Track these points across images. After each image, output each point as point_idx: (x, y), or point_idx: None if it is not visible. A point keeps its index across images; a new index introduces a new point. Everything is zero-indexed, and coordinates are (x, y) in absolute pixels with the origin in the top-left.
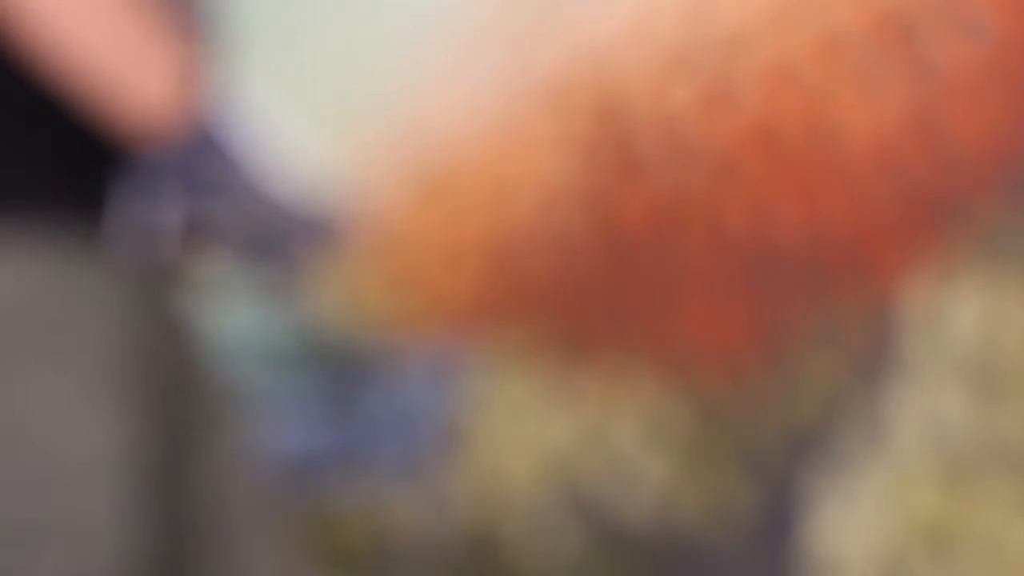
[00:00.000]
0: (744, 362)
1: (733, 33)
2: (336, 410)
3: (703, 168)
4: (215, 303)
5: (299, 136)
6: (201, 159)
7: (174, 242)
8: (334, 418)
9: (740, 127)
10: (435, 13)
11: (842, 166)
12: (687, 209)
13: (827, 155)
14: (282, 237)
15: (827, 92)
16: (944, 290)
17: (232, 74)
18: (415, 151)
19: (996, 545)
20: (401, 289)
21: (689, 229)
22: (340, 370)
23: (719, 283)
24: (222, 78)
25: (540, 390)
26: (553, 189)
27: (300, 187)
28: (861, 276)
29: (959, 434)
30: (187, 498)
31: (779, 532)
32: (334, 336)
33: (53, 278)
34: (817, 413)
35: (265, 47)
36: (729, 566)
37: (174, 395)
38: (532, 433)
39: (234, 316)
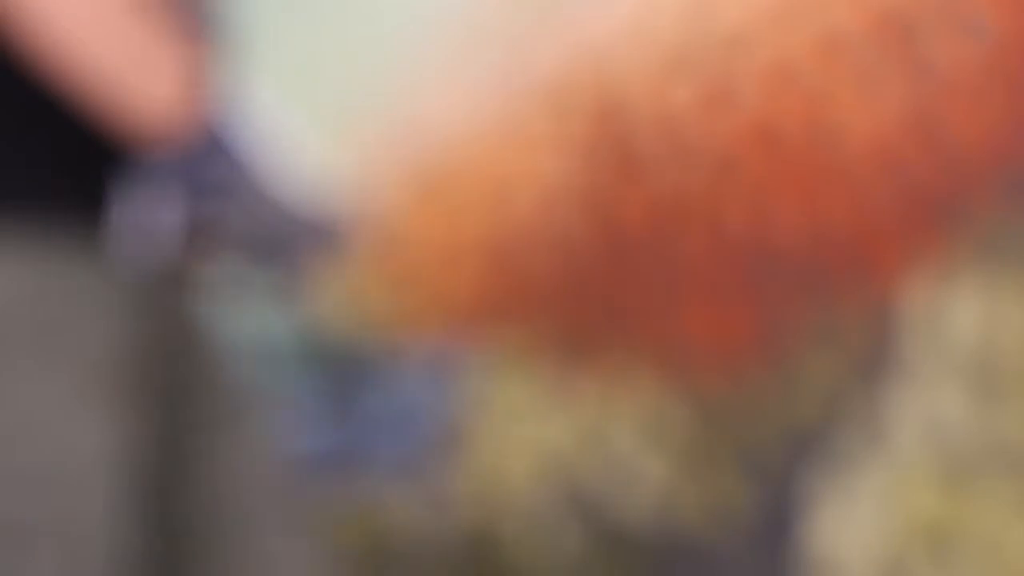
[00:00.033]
0: (744, 362)
1: (733, 33)
2: (336, 410)
3: (703, 168)
4: (220, 304)
5: (301, 137)
6: (206, 161)
7: (178, 243)
8: (334, 418)
9: (740, 127)
10: (435, 13)
11: (842, 166)
12: (687, 209)
13: (827, 155)
14: (287, 239)
15: (827, 92)
16: (944, 290)
17: (236, 75)
18: (415, 151)
19: (996, 545)
20: (401, 289)
21: (689, 229)
22: (340, 370)
23: (719, 283)
24: (227, 79)
25: (540, 390)
26: (553, 189)
27: (304, 188)
28: (861, 276)
29: (959, 434)
30: (185, 498)
31: (779, 532)
32: (334, 336)
33: (48, 279)
34: (817, 413)
35: (265, 48)
36: (729, 566)
37: (173, 395)
38: (532, 433)
39: (237, 316)
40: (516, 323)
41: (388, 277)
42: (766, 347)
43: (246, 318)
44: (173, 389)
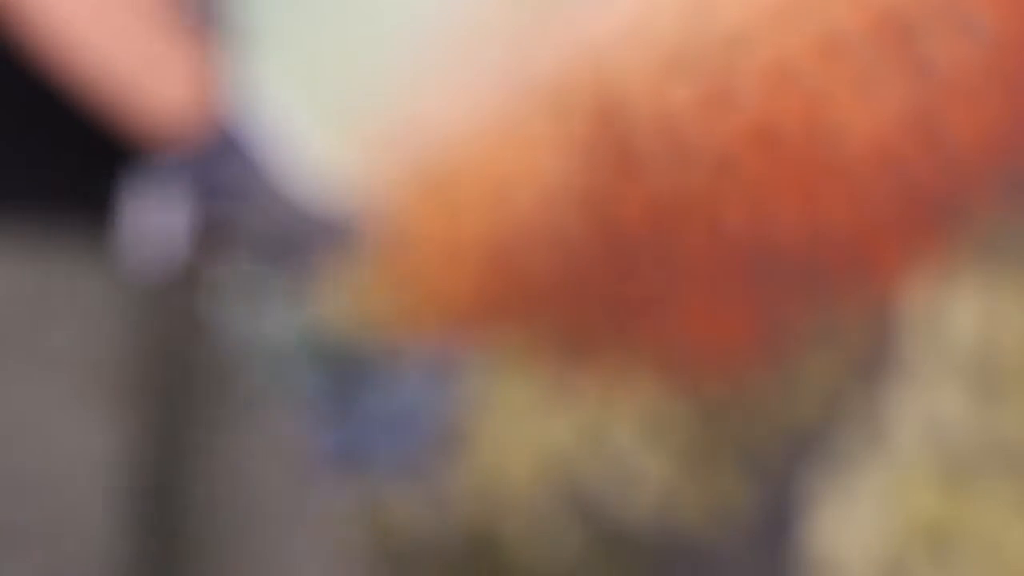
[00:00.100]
0: (744, 362)
1: (733, 33)
2: (336, 410)
3: (702, 167)
4: (231, 304)
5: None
6: (218, 161)
7: (189, 244)
8: (334, 418)
9: (740, 127)
10: (435, 12)
11: (842, 166)
12: (686, 208)
13: (827, 155)
14: (300, 238)
15: (827, 92)
16: (944, 290)
17: (245, 75)
18: (413, 150)
19: (995, 545)
20: (401, 289)
21: (688, 228)
22: (340, 370)
23: (719, 283)
24: (236, 79)
25: (540, 390)
26: (552, 188)
27: (316, 188)
28: (861, 276)
29: (959, 434)
30: (189, 499)
31: (779, 532)
32: (334, 336)
33: (50, 279)
34: (817, 413)
35: (265, 48)
36: (729, 566)
37: (179, 396)
38: (532, 433)
39: (248, 317)
40: (516, 323)
41: (388, 277)
42: (766, 347)
43: (257, 318)
44: (180, 390)
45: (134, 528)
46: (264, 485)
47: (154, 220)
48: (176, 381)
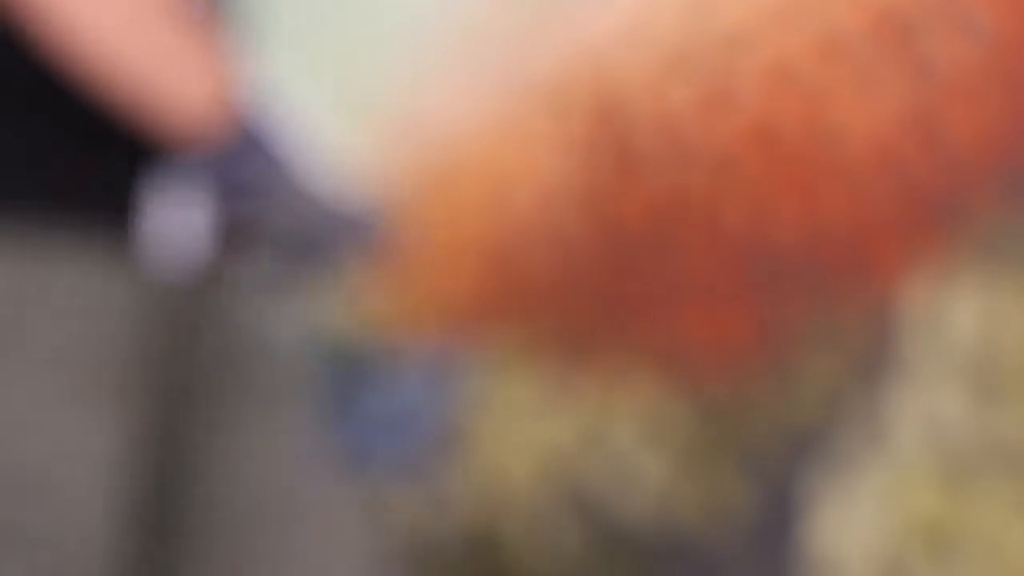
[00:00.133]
0: (744, 362)
1: (733, 33)
2: (336, 410)
3: (702, 167)
4: (253, 304)
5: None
6: (240, 159)
7: (211, 244)
8: (334, 418)
9: (740, 127)
10: (435, 12)
11: (842, 166)
12: (686, 208)
13: (827, 155)
14: (323, 236)
15: (827, 92)
16: (944, 290)
17: (261, 71)
18: (414, 150)
19: (995, 545)
20: (401, 289)
21: (688, 228)
22: (340, 370)
23: (719, 283)
24: (253, 75)
25: (540, 390)
26: (552, 188)
27: (335, 184)
28: (861, 276)
29: (959, 434)
30: (184, 500)
31: (779, 532)
32: (334, 336)
33: (48, 279)
34: (817, 413)
35: (273, 44)
36: (729, 566)
37: (176, 397)
38: (532, 433)
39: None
40: (516, 323)
41: (388, 276)
42: (766, 347)
43: (277, 316)
44: (181, 390)
45: (134, 528)
46: (265, 485)
47: (176, 219)
48: (177, 381)
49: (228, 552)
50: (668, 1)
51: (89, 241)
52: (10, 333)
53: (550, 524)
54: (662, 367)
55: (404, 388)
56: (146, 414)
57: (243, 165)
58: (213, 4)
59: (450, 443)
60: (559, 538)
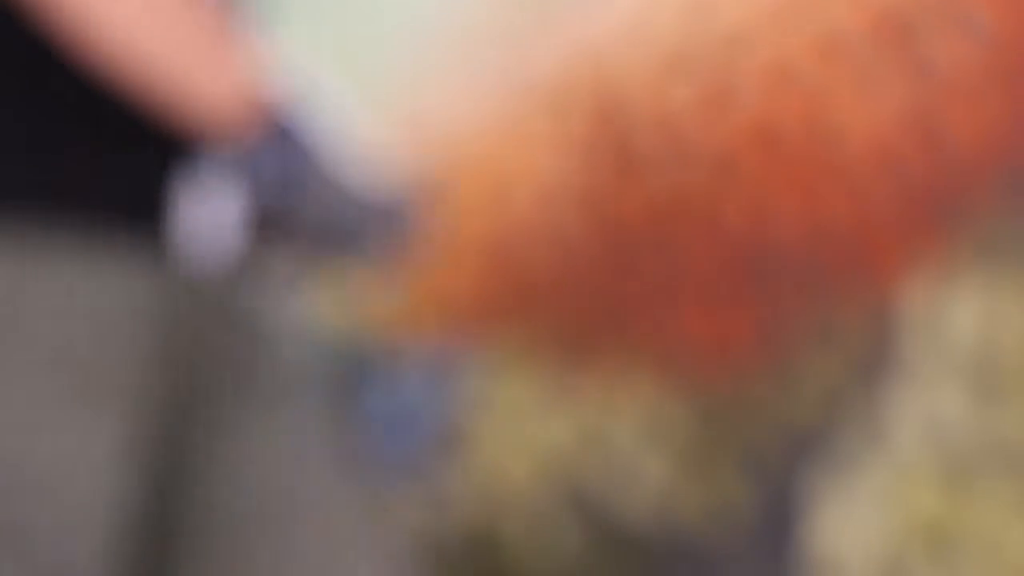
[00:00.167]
0: (744, 362)
1: (733, 33)
2: (336, 410)
3: (702, 167)
4: (281, 297)
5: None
6: (272, 152)
7: (242, 238)
8: (334, 418)
9: (740, 126)
10: (435, 12)
11: (842, 165)
12: (686, 208)
13: (827, 154)
14: (356, 227)
15: (827, 92)
16: (944, 290)
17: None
18: (414, 150)
19: (995, 545)
20: (401, 289)
21: (688, 228)
22: (340, 370)
23: (719, 282)
24: (280, 67)
25: (540, 390)
26: (552, 187)
27: (366, 175)
28: (861, 276)
29: (959, 434)
30: (184, 500)
31: (779, 532)
32: (334, 336)
33: (48, 278)
34: (817, 413)
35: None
36: (729, 566)
37: (177, 397)
38: (532, 433)
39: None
40: (516, 323)
41: (388, 276)
42: (766, 347)
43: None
44: (182, 391)
45: (134, 528)
46: (265, 486)
47: (207, 214)
48: (177, 382)
49: (228, 553)
50: (668, 1)
51: (89, 241)
52: (10, 333)
53: (550, 524)
54: (662, 367)
55: (404, 388)
56: (146, 414)
57: (274, 158)
58: None
59: (450, 443)
60: (559, 538)
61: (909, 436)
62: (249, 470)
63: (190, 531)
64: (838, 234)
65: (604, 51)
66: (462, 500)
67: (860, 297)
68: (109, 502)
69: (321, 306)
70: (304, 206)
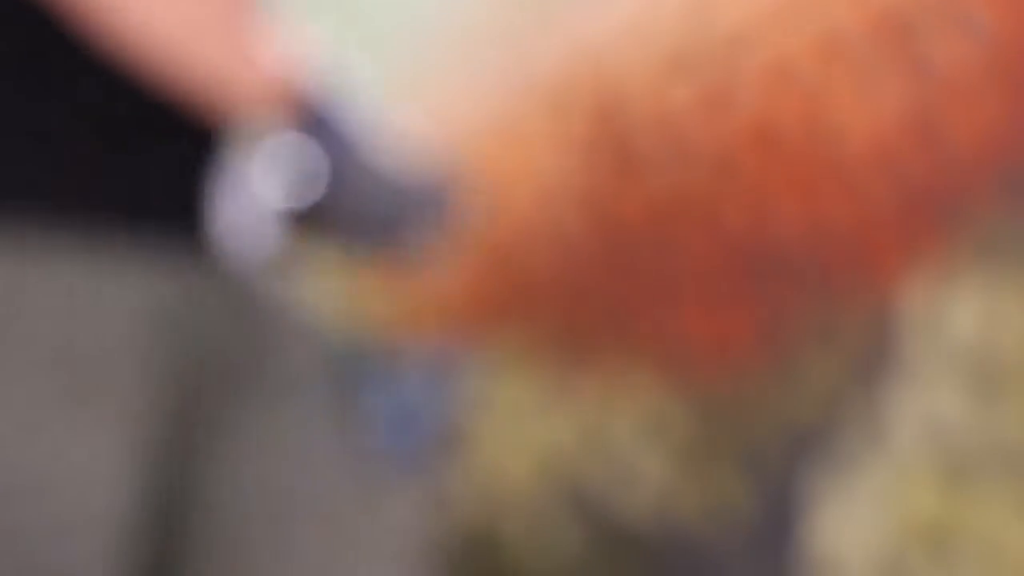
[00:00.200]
0: (744, 362)
1: (733, 33)
2: (336, 409)
3: (702, 167)
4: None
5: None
6: (310, 143)
7: (279, 231)
8: (334, 417)
9: (740, 127)
10: (435, 13)
11: (842, 166)
12: (686, 208)
13: (827, 155)
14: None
15: (827, 92)
16: (944, 290)
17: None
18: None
19: (995, 545)
20: (401, 289)
21: (688, 228)
22: (339, 370)
23: (719, 282)
24: (313, 56)
25: (540, 390)
26: (552, 188)
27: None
28: (861, 276)
29: (959, 434)
30: (186, 501)
31: (779, 532)
32: (334, 336)
33: (49, 278)
34: (817, 413)
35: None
36: (729, 566)
37: (177, 397)
38: (532, 433)
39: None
40: (516, 323)
41: (387, 276)
42: (766, 347)
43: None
44: (183, 391)
45: (134, 528)
46: (266, 486)
47: (244, 207)
48: (178, 382)
49: (229, 552)
50: (668, 1)
51: (90, 241)
52: (10, 333)
53: (550, 524)
54: (662, 367)
55: (404, 388)
56: (146, 414)
57: (313, 148)
58: None
59: (450, 443)
60: (559, 538)
61: (909, 436)
62: (249, 470)
63: (190, 531)
64: (838, 234)
65: (604, 51)
66: (462, 500)
67: (860, 297)
68: (109, 502)
69: (320, 306)
70: (344, 197)
